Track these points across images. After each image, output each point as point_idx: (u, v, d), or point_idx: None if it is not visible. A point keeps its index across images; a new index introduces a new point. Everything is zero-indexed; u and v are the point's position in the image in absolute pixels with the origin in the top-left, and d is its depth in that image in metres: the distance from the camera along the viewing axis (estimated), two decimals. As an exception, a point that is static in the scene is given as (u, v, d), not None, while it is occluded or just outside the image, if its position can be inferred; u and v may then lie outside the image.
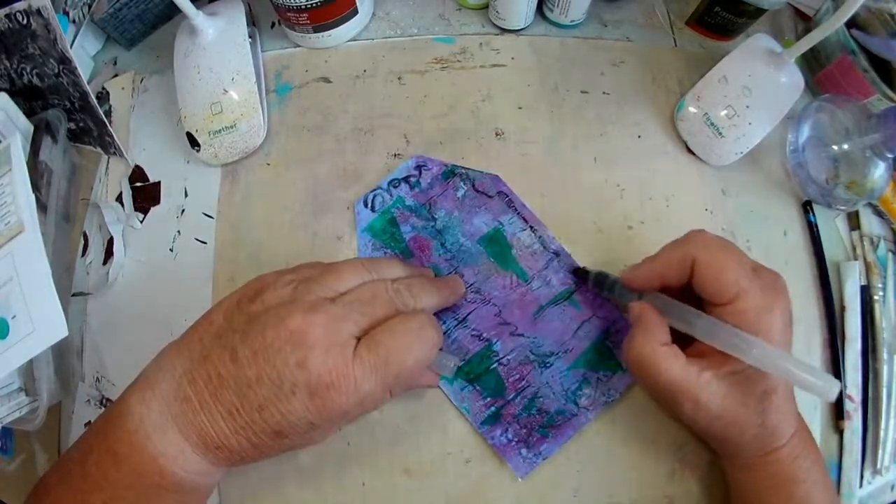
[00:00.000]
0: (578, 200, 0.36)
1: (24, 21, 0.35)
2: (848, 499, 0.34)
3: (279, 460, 0.32)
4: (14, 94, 0.37)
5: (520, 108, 0.39)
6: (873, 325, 0.36)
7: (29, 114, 0.38)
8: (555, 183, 0.37)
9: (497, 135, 0.38)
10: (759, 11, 0.38)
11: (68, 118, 0.39)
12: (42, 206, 0.36)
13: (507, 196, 0.36)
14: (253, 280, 0.28)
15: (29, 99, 0.39)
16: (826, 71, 0.39)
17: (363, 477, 0.32)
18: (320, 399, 0.24)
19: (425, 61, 0.40)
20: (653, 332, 0.27)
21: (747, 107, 0.36)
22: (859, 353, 0.36)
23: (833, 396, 0.23)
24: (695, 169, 0.38)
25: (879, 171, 0.36)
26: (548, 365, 0.33)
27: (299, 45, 0.41)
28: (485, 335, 0.34)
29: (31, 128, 0.37)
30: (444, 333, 0.34)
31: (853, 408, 0.35)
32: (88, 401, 0.35)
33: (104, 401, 0.35)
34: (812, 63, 0.40)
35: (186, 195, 0.38)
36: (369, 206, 0.36)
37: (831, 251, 0.37)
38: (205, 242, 0.37)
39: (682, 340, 0.27)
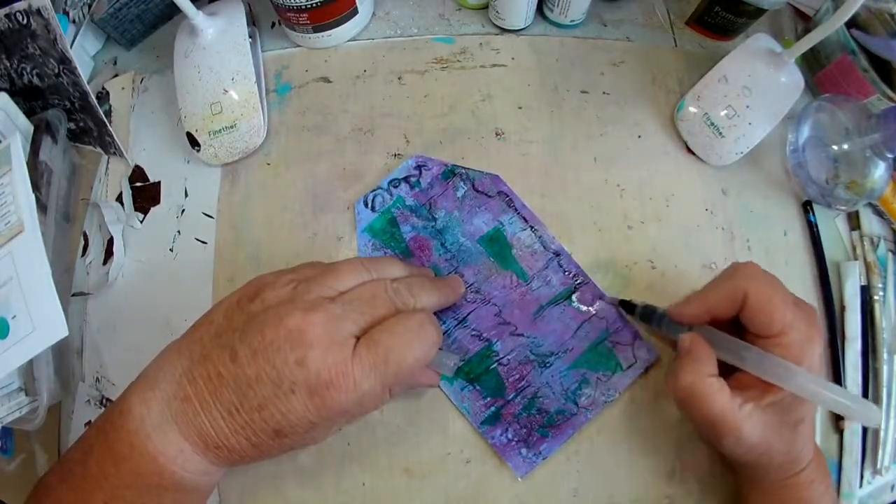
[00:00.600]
0: (578, 200, 0.36)
1: (24, 21, 0.35)
2: (848, 499, 0.34)
3: (279, 460, 0.32)
4: (14, 94, 0.37)
5: (520, 108, 0.39)
6: (873, 325, 0.36)
7: (29, 114, 0.38)
8: (555, 183, 0.37)
9: (497, 135, 0.38)
10: (759, 11, 0.38)
11: (68, 118, 0.39)
12: (42, 206, 0.36)
13: (507, 196, 0.36)
14: (253, 280, 0.28)
15: (29, 99, 0.39)
16: (826, 71, 0.39)
17: (363, 477, 0.32)
18: (320, 398, 0.24)
19: (425, 61, 0.40)
20: (704, 362, 0.27)
21: (747, 107, 0.36)
22: (859, 353, 0.36)
23: (876, 423, 0.24)
24: (695, 169, 0.38)
25: (879, 171, 0.36)
26: (548, 365, 0.33)
27: (299, 45, 0.41)
28: (485, 335, 0.34)
29: (31, 128, 0.37)
30: (445, 333, 0.34)
31: (853, 408, 0.35)
32: (88, 401, 0.35)
33: (104, 401, 0.35)
34: (812, 63, 0.40)
35: (186, 195, 0.38)
36: (369, 205, 0.36)
37: (831, 251, 0.37)
38: (205, 242, 0.37)
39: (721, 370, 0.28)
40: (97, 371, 0.36)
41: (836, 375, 0.35)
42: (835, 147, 0.37)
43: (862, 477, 0.35)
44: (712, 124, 0.36)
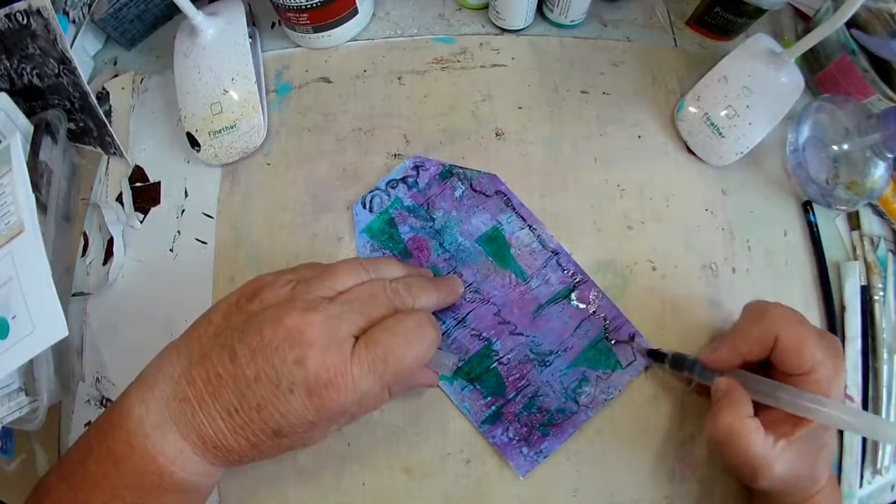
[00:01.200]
0: (578, 200, 0.36)
1: (24, 21, 0.35)
2: (848, 499, 0.34)
3: (279, 460, 0.32)
4: (14, 94, 0.37)
5: (520, 108, 0.39)
6: (873, 324, 0.36)
7: (29, 114, 0.38)
8: (555, 183, 0.37)
9: (497, 135, 0.38)
10: (759, 11, 0.38)
11: (68, 118, 0.39)
12: (42, 206, 0.36)
13: (505, 195, 0.36)
14: (251, 280, 0.28)
15: (29, 99, 0.39)
16: (826, 71, 0.39)
17: (363, 477, 0.32)
18: (318, 398, 0.24)
19: (425, 61, 0.40)
20: (741, 405, 0.28)
21: (747, 107, 0.36)
22: (859, 352, 0.36)
23: None
24: (695, 169, 0.38)
25: (879, 171, 0.36)
26: (547, 363, 0.33)
27: (299, 45, 0.41)
28: (484, 334, 0.34)
29: (31, 128, 0.37)
30: (444, 333, 0.34)
31: (853, 408, 0.35)
32: (88, 401, 0.35)
33: (104, 401, 0.35)
34: (812, 63, 0.40)
35: (186, 195, 0.38)
36: (367, 207, 0.36)
37: (831, 251, 0.37)
38: (205, 242, 0.37)
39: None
40: (97, 371, 0.36)
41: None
42: (835, 147, 0.37)
43: (862, 477, 0.35)
44: (712, 124, 0.36)
